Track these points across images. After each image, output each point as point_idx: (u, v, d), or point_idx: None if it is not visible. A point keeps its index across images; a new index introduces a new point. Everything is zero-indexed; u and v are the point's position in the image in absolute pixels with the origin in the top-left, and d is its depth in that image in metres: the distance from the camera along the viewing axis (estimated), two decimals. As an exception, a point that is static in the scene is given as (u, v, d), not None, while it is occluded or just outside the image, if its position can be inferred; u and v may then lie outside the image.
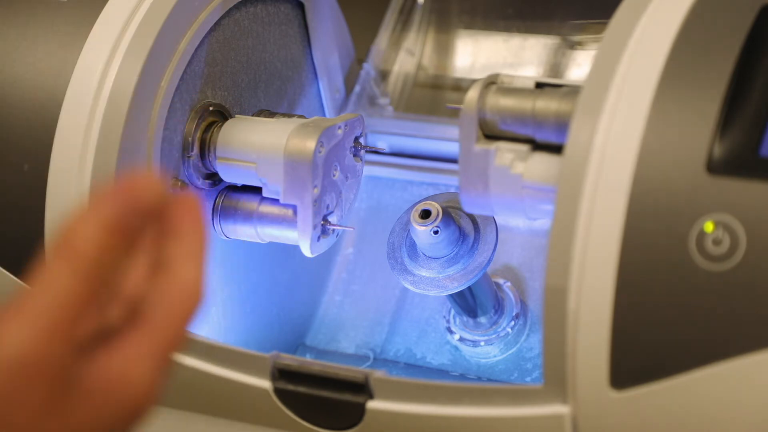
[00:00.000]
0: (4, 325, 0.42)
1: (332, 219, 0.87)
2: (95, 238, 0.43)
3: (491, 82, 0.78)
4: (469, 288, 0.91)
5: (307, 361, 0.79)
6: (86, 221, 0.43)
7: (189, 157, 0.87)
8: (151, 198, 0.44)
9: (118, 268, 0.44)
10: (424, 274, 0.90)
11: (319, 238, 0.86)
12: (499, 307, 0.96)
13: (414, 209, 0.88)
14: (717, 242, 0.66)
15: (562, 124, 0.74)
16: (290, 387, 0.78)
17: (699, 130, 0.68)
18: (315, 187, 0.84)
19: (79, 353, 0.43)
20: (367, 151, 0.91)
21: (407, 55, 1.11)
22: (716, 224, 0.66)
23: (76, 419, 0.43)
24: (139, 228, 0.44)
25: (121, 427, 0.45)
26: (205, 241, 0.46)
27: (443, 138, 1.02)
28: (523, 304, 0.97)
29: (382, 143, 1.04)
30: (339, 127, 0.87)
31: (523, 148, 0.77)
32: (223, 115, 0.90)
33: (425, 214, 0.88)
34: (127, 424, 0.45)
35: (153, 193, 0.44)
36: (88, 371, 0.44)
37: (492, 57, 1.10)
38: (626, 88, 0.70)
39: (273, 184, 0.85)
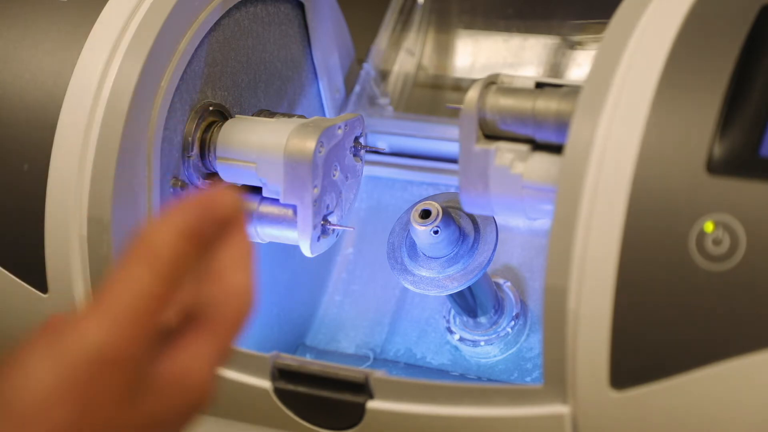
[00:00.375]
0: (87, 319, 0.45)
1: (332, 219, 0.87)
2: (173, 243, 0.46)
3: (491, 82, 0.78)
4: (469, 288, 0.91)
5: (307, 361, 0.79)
6: (166, 227, 0.46)
7: (189, 157, 0.87)
8: (226, 211, 0.48)
9: (190, 272, 0.47)
10: (424, 274, 0.90)
11: (319, 238, 0.86)
12: (499, 307, 0.96)
13: (414, 209, 0.88)
14: (717, 242, 0.66)
15: (562, 124, 0.74)
16: (290, 387, 0.78)
17: (699, 130, 0.68)
18: (315, 187, 0.84)
19: (151, 350, 0.46)
20: (367, 151, 0.91)
21: (407, 55, 1.11)
22: (716, 224, 0.66)
23: (148, 413, 0.46)
24: (212, 237, 0.47)
25: (182, 423, 0.48)
26: (252, 246, 0.49)
27: (443, 138, 1.02)
28: (523, 304, 0.97)
29: (382, 143, 1.04)
30: (339, 127, 0.87)
31: (523, 148, 0.77)
32: (223, 115, 0.90)
33: (425, 214, 0.88)
34: (187, 419, 0.48)
35: (228, 207, 0.48)
36: (157, 367, 0.47)
37: (492, 57, 1.10)
38: (626, 88, 0.70)
39: (273, 184, 0.85)
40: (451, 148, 0.95)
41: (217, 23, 0.88)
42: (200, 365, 0.47)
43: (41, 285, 0.81)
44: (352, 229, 0.97)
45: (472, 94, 0.77)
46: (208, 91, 0.89)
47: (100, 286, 0.46)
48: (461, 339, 0.96)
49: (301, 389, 0.78)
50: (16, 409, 0.43)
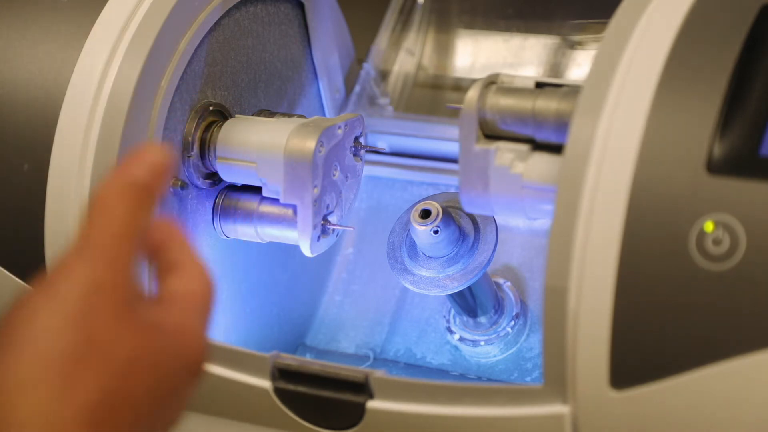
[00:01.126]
0: (73, 263, 0.50)
1: (332, 219, 0.87)
2: (125, 192, 0.51)
3: (491, 82, 0.78)
4: (469, 288, 0.91)
5: (307, 361, 0.79)
6: (112, 183, 0.51)
7: (189, 156, 0.87)
8: (155, 158, 0.53)
9: (147, 222, 0.52)
10: (424, 273, 0.90)
11: (319, 238, 0.86)
12: (499, 307, 0.96)
13: (414, 209, 0.88)
14: (717, 242, 0.66)
15: (562, 124, 0.74)
16: (290, 387, 0.78)
17: (699, 130, 0.68)
18: (315, 187, 0.84)
19: (137, 288, 0.51)
20: (367, 151, 0.91)
21: (407, 55, 1.11)
22: (716, 224, 0.66)
23: (162, 359, 0.50)
24: (152, 183, 0.52)
25: (190, 382, 0.52)
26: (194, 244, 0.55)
27: (443, 138, 1.02)
28: (523, 304, 0.97)
29: (382, 143, 1.04)
30: (339, 127, 0.87)
31: (523, 148, 0.77)
32: (223, 114, 0.90)
33: (425, 214, 0.88)
34: (193, 378, 0.52)
35: (155, 155, 0.53)
36: (155, 312, 0.51)
37: (492, 57, 1.10)
38: (626, 87, 0.70)
39: (273, 184, 0.85)
40: (451, 148, 0.95)
41: (217, 23, 0.88)
42: (191, 320, 0.53)
43: (41, 285, 0.81)
44: (352, 229, 0.97)
45: (472, 94, 0.77)
46: (208, 91, 0.89)
47: (76, 233, 0.51)
48: (461, 339, 0.96)
49: (301, 389, 0.78)
50: (28, 350, 0.48)
